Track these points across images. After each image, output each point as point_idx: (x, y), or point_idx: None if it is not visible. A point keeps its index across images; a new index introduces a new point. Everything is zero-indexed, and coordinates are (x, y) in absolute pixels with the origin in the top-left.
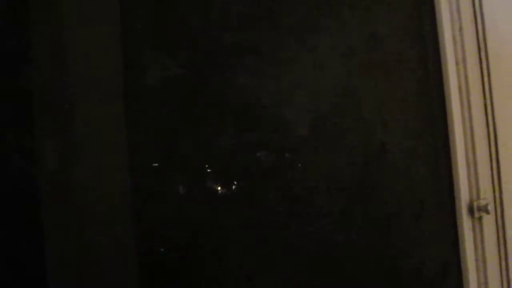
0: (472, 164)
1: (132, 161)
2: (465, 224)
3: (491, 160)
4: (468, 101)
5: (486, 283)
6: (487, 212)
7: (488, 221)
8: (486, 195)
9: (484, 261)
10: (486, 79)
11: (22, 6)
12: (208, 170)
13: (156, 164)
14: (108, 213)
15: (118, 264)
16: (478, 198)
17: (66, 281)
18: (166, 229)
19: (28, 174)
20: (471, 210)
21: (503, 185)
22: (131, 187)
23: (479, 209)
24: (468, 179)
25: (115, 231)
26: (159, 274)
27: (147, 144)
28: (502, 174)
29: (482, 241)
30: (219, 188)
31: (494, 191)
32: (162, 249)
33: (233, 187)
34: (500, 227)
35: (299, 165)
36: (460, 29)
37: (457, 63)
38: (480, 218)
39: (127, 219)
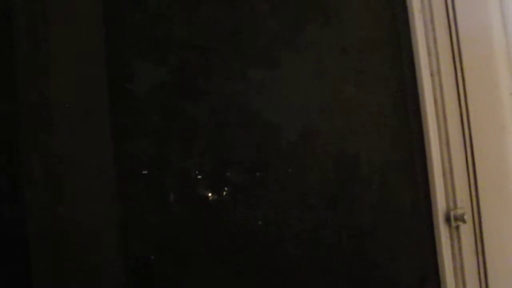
0: (449, 174)
1: (120, 169)
2: (442, 233)
3: (467, 169)
4: (444, 111)
5: None
6: (464, 221)
7: (466, 230)
8: (463, 204)
9: (462, 270)
10: (461, 89)
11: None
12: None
13: (145, 172)
14: (96, 221)
15: (106, 273)
16: (455, 207)
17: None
18: (156, 237)
19: (12, 185)
20: (448, 220)
21: (480, 194)
22: (120, 195)
23: (456, 218)
24: (444, 188)
25: (102, 240)
26: (148, 282)
27: (136, 152)
28: (479, 183)
29: (460, 251)
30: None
31: (471, 200)
32: (152, 257)
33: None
34: (478, 236)
35: (270, 180)
36: (435, 40)
37: (432, 75)
38: (457, 227)
39: (116, 227)
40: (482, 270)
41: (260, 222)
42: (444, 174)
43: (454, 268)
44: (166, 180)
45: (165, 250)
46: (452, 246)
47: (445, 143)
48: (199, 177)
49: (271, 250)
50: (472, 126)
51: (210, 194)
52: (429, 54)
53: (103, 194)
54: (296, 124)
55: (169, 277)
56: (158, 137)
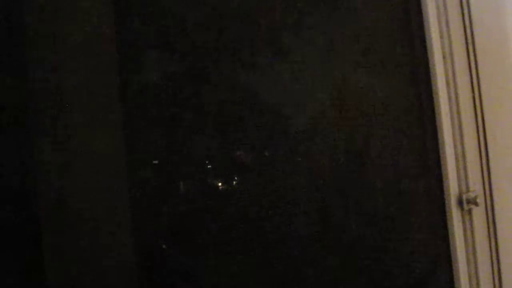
0: (461, 157)
1: (131, 158)
2: (455, 217)
3: (480, 153)
4: (456, 94)
5: (476, 275)
6: (477, 204)
7: (478, 213)
8: (476, 188)
9: (474, 253)
10: (474, 72)
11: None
12: (208, 167)
13: (156, 162)
14: (107, 211)
15: (116, 262)
16: (467, 190)
17: (64, 278)
18: (166, 227)
19: (23, 173)
20: (460, 203)
21: (492, 177)
22: (130, 184)
23: (469, 201)
24: (457, 171)
25: (114, 229)
26: (159, 271)
27: (146, 142)
28: (491, 166)
29: (472, 234)
30: (215, 185)
31: (483, 183)
32: (163, 246)
33: (220, 184)
34: (490, 219)
35: (279, 161)
36: (447, 23)
37: (444, 57)
38: (469, 211)
39: (126, 216)
40: (494, 253)
41: (270, 211)
42: (456, 157)
43: (466, 251)
44: (176, 169)
45: (177, 238)
46: (464, 229)
47: (458, 126)
48: (209, 166)
49: (281, 234)
50: (485, 109)
51: (220, 184)
52: (441, 37)
53: (114, 184)
54: (308, 108)
55: (180, 261)
56: (168, 126)
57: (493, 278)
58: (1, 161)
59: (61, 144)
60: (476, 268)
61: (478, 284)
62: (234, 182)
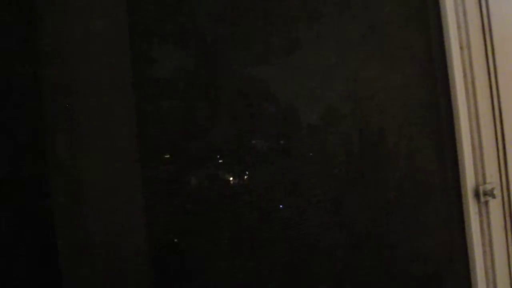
0: (478, 149)
1: (143, 153)
2: (471, 209)
3: (497, 144)
4: (473, 85)
5: (493, 268)
6: (493, 196)
7: (495, 205)
8: (492, 180)
9: (491, 246)
10: (491, 63)
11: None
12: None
13: (168, 156)
14: (120, 205)
15: (131, 255)
16: (484, 182)
17: (79, 271)
18: (178, 220)
19: (38, 168)
20: (477, 195)
21: (509, 169)
22: (143, 179)
23: (485, 193)
24: (473, 163)
25: (127, 223)
26: (172, 264)
27: (158, 136)
28: (508, 158)
29: (489, 226)
30: (228, 177)
31: (500, 175)
32: (175, 240)
33: (234, 175)
34: (507, 211)
35: (294, 152)
36: (464, 13)
37: (461, 48)
38: (486, 203)
39: (139, 210)
40: (511, 246)
41: (281, 206)
42: (473, 149)
43: (483, 243)
44: (188, 164)
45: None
46: (481, 221)
47: (475, 118)
48: (220, 161)
49: (296, 226)
50: (502, 100)
51: (231, 178)
52: (458, 27)
53: (128, 182)
54: (324, 100)
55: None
56: (180, 121)
57: (510, 270)
58: (15, 153)
59: (73, 139)
60: (492, 260)
61: (494, 275)
62: (246, 177)
